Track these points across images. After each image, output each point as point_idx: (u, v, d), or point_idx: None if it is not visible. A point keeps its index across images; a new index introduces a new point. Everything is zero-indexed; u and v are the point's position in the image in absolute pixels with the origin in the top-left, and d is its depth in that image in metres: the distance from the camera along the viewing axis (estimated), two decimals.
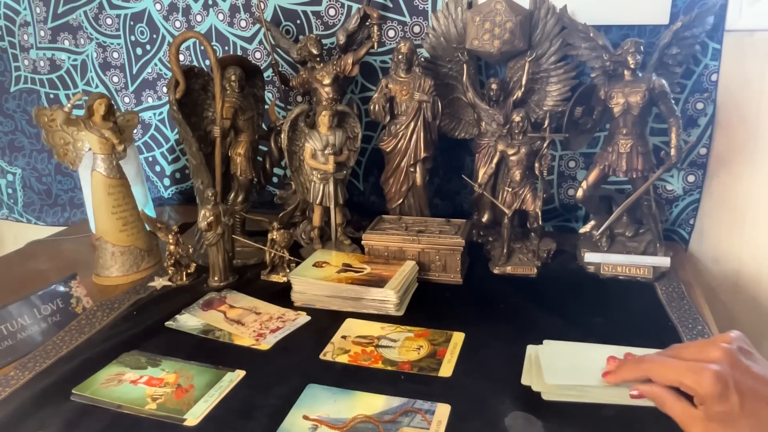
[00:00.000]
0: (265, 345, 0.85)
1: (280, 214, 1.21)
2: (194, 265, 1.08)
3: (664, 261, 1.02)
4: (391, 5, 1.24)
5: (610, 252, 1.06)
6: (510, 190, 1.07)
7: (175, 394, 0.74)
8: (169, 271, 1.06)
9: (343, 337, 0.87)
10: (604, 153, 1.05)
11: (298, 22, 1.31)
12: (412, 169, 1.16)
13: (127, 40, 1.48)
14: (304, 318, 0.93)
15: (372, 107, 1.14)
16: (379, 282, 0.95)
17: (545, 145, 1.04)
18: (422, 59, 1.18)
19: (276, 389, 0.75)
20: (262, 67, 1.25)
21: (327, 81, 1.16)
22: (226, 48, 1.39)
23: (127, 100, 1.53)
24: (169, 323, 0.92)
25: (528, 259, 1.08)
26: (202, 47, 1.40)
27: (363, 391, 0.73)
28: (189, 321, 0.93)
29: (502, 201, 1.08)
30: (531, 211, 1.07)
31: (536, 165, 1.05)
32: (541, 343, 0.80)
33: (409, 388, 0.74)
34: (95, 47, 1.50)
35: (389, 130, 1.16)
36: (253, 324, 0.91)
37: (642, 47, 0.99)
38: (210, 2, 1.37)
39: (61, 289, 0.94)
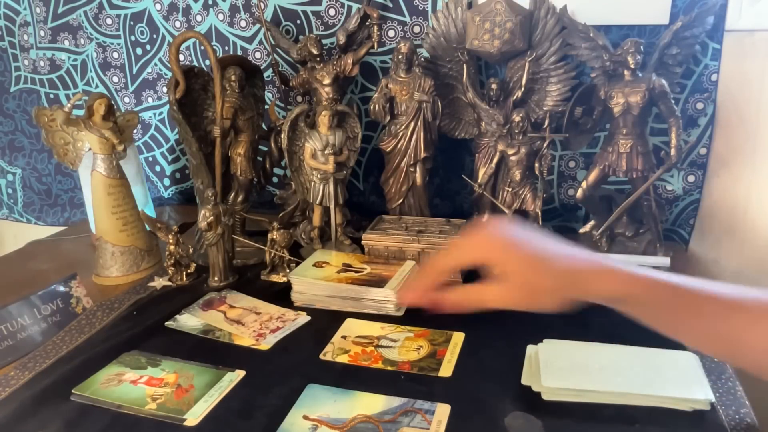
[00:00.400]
0: (266, 345, 0.85)
1: (280, 214, 1.21)
2: (194, 265, 1.08)
3: (664, 261, 1.02)
4: (391, 5, 1.24)
5: (610, 252, 1.06)
6: (510, 190, 1.07)
7: (175, 394, 0.74)
8: (169, 271, 1.06)
9: (343, 337, 0.87)
10: (604, 153, 1.05)
11: (298, 22, 1.31)
12: (412, 169, 1.16)
13: (127, 40, 1.48)
14: (304, 318, 0.93)
15: (372, 107, 1.14)
16: (379, 282, 0.95)
17: (545, 145, 1.04)
18: (422, 59, 1.18)
19: (276, 389, 0.75)
20: (262, 67, 1.25)
21: (327, 81, 1.16)
22: (226, 48, 1.39)
23: (127, 100, 1.53)
24: (169, 323, 0.92)
25: None
26: (202, 47, 1.40)
27: (363, 391, 0.73)
28: (189, 321, 0.93)
29: (502, 201, 1.08)
30: (531, 211, 1.07)
31: (536, 165, 1.05)
32: (541, 343, 0.80)
33: (409, 388, 0.74)
34: (95, 47, 1.50)
35: (389, 130, 1.16)
36: (253, 324, 0.91)
37: (642, 47, 0.99)
38: (210, 2, 1.37)
39: (61, 289, 0.94)
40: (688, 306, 0.59)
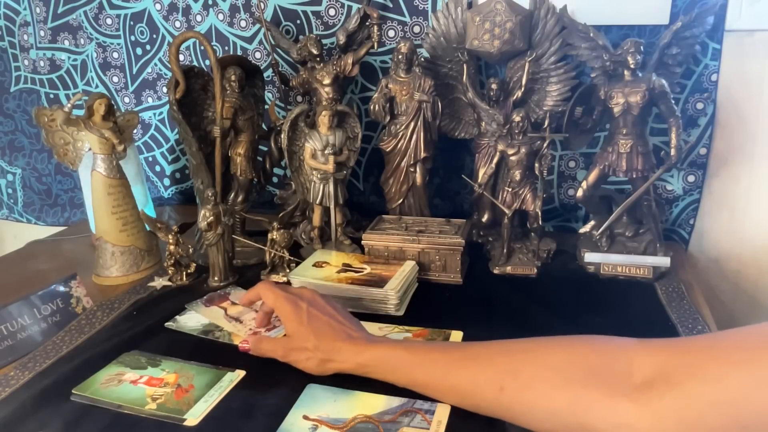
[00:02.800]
0: None
1: (280, 214, 1.21)
2: (194, 265, 1.08)
3: (664, 261, 1.02)
4: (391, 5, 1.24)
5: (610, 252, 1.06)
6: (510, 190, 1.07)
7: (175, 394, 0.74)
8: (169, 271, 1.06)
9: None
10: (604, 153, 1.05)
11: (298, 22, 1.32)
12: (412, 169, 1.16)
13: (127, 40, 1.48)
14: None
15: (372, 107, 1.14)
16: (379, 282, 0.95)
17: (545, 145, 1.04)
18: (422, 59, 1.18)
19: (276, 389, 0.75)
20: (262, 67, 1.25)
21: (327, 81, 1.16)
22: (226, 48, 1.39)
23: (127, 100, 1.53)
24: (168, 324, 0.92)
25: (528, 259, 1.08)
26: (202, 47, 1.40)
27: (363, 391, 0.73)
28: (189, 321, 0.93)
29: (502, 201, 1.08)
30: (531, 211, 1.07)
31: (536, 165, 1.05)
32: None
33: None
34: (95, 47, 1.50)
35: (389, 130, 1.16)
36: (250, 322, 0.91)
37: (642, 47, 0.99)
38: (210, 2, 1.37)
39: (61, 289, 0.94)
40: (415, 364, 0.70)
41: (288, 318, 0.77)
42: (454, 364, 0.68)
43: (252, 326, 0.90)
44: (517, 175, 1.06)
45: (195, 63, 1.42)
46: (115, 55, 1.50)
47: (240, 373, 0.78)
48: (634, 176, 1.03)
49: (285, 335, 0.80)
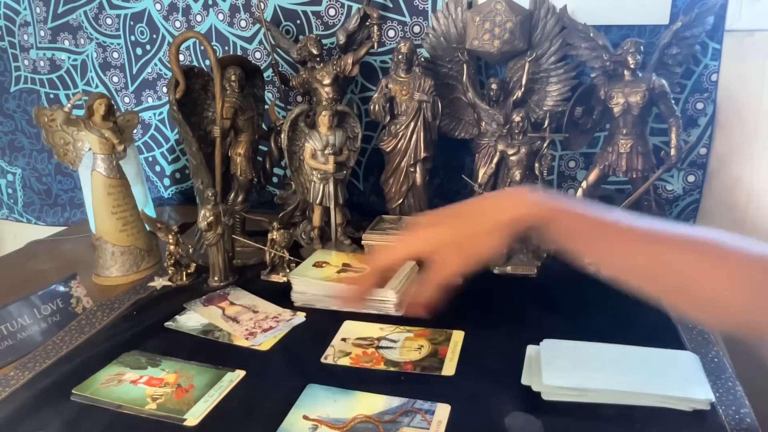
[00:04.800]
0: (255, 344, 0.85)
1: (280, 214, 1.21)
2: (194, 265, 1.08)
3: None
4: (391, 5, 1.24)
5: None
6: None
7: (175, 394, 0.74)
8: (169, 271, 1.06)
9: (343, 339, 0.87)
10: (604, 153, 1.05)
11: (298, 22, 1.31)
12: (412, 169, 1.16)
13: (127, 40, 1.48)
14: (299, 318, 0.93)
15: (372, 107, 1.14)
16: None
17: (545, 145, 1.04)
18: (422, 59, 1.18)
19: (276, 389, 0.75)
20: (262, 67, 1.25)
21: (327, 81, 1.16)
22: (226, 48, 1.39)
23: (127, 100, 1.53)
24: (168, 324, 0.92)
25: (528, 259, 1.08)
26: (202, 47, 1.40)
27: (363, 391, 0.73)
28: (189, 321, 0.93)
29: None
30: None
31: (536, 165, 1.05)
32: (542, 342, 0.80)
33: (410, 388, 0.74)
34: (95, 47, 1.50)
35: (389, 130, 1.16)
36: (248, 322, 0.91)
37: (642, 47, 0.99)
38: (210, 2, 1.37)
39: (61, 289, 0.94)
40: (638, 239, 0.60)
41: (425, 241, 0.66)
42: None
43: (249, 326, 0.90)
44: (517, 175, 1.06)
45: (195, 63, 1.42)
46: (115, 55, 1.50)
47: (240, 373, 0.78)
48: (634, 176, 1.03)
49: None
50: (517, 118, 1.04)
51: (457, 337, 0.85)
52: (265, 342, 0.86)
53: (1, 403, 0.74)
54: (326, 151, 1.10)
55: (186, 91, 1.09)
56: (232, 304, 0.97)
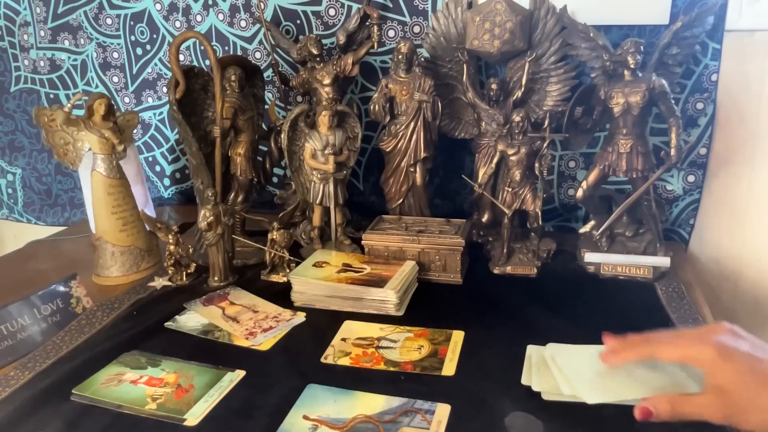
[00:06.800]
0: (255, 343, 0.86)
1: (280, 214, 1.21)
2: (194, 265, 1.08)
3: (664, 261, 1.02)
4: (391, 5, 1.24)
5: (610, 252, 1.06)
6: (510, 190, 1.07)
7: (175, 394, 0.74)
8: (169, 271, 1.06)
9: (343, 339, 0.87)
10: (604, 153, 1.05)
11: (298, 22, 1.31)
12: (412, 169, 1.16)
13: (127, 40, 1.48)
14: (299, 318, 0.93)
15: (372, 107, 1.14)
16: (379, 282, 0.95)
17: (545, 145, 1.04)
18: (422, 59, 1.18)
19: (276, 389, 0.75)
20: (262, 67, 1.25)
21: (327, 81, 1.16)
22: (226, 48, 1.39)
23: (127, 100, 1.53)
24: (168, 324, 0.92)
25: (528, 259, 1.08)
26: (202, 47, 1.40)
27: (363, 391, 0.73)
28: (189, 321, 0.93)
29: (502, 201, 1.08)
30: (531, 211, 1.07)
31: (536, 165, 1.05)
32: (541, 344, 0.79)
33: (410, 388, 0.74)
34: (95, 47, 1.50)
35: (389, 130, 1.16)
36: (248, 322, 0.91)
37: (642, 47, 0.99)
38: (210, 2, 1.37)
39: (61, 289, 0.94)
40: None
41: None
42: None
43: (249, 326, 0.90)
44: (517, 175, 1.06)
45: (195, 63, 1.42)
46: (115, 55, 1.50)
47: (240, 373, 0.78)
48: (634, 176, 1.03)
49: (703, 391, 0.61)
50: (517, 118, 1.04)
51: (457, 337, 0.85)
52: (265, 342, 0.86)
53: (1, 403, 0.74)
54: (326, 151, 1.10)
55: (186, 91, 1.09)
56: (232, 304, 0.98)
